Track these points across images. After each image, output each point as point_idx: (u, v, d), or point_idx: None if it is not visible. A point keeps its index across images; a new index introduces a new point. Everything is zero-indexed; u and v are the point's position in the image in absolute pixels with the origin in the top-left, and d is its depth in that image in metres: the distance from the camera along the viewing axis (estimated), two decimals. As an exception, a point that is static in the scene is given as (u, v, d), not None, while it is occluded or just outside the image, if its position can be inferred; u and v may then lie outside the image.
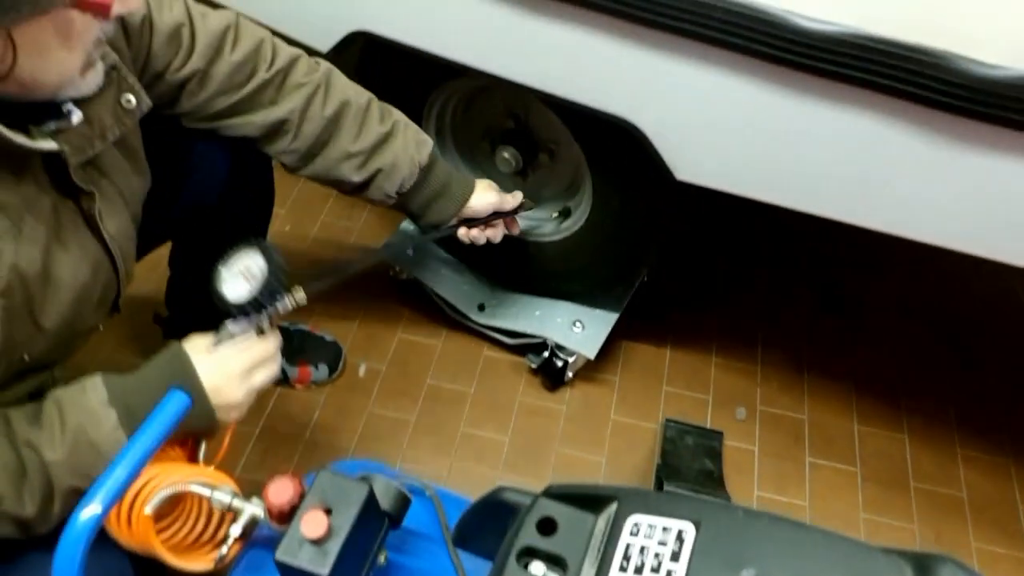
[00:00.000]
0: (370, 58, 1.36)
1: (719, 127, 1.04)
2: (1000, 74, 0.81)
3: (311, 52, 1.24)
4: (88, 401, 0.84)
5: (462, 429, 1.55)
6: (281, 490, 0.71)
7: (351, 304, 1.73)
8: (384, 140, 1.15)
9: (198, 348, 0.91)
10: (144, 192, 1.05)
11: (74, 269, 0.89)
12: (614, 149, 1.24)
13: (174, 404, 0.70)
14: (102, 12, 0.73)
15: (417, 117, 1.43)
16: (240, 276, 0.92)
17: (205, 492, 0.79)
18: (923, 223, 0.98)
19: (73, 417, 0.82)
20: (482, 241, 1.29)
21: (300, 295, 0.97)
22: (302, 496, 0.72)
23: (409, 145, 1.17)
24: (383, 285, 1.74)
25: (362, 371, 1.63)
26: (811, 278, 1.85)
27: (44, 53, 0.73)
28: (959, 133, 0.88)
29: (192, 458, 0.92)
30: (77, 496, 0.75)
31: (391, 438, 1.53)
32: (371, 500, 0.71)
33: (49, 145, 0.80)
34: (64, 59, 0.76)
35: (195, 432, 0.91)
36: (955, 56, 0.82)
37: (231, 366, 0.91)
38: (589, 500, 0.64)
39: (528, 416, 1.57)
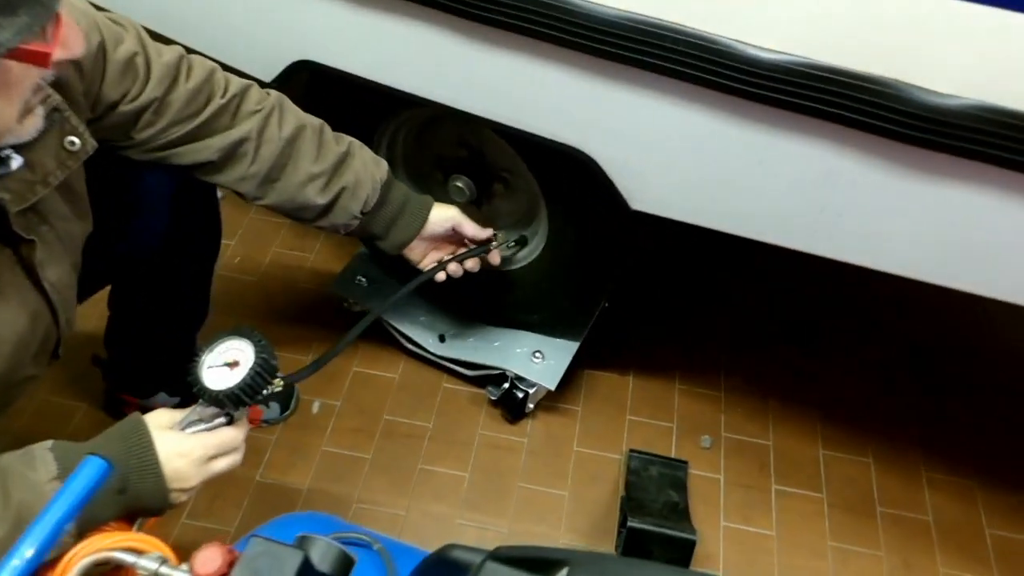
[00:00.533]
0: (317, 88, 1.32)
1: (673, 157, 1.02)
2: (952, 103, 0.80)
3: (255, 82, 1.21)
4: (36, 476, 0.79)
5: (420, 465, 1.50)
6: (208, 560, 0.66)
7: (303, 338, 1.67)
8: (344, 159, 1.14)
9: (161, 425, 0.88)
10: (85, 237, 1.01)
11: (12, 321, 0.85)
12: (569, 178, 1.22)
13: (89, 471, 0.65)
14: (40, 61, 0.69)
15: (367, 146, 1.39)
16: (225, 365, 0.89)
17: (129, 560, 0.73)
18: (878, 251, 0.97)
19: (18, 492, 0.78)
20: (460, 274, 1.26)
21: (278, 385, 0.94)
22: (232, 563, 0.67)
23: (368, 163, 1.16)
24: (337, 318, 1.68)
25: (316, 408, 1.57)
26: (774, 305, 1.84)
27: None
28: (911, 162, 0.86)
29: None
30: None
31: (346, 477, 1.47)
32: (306, 567, 0.66)
33: None
34: (1, 109, 0.72)
35: (146, 512, 0.87)
36: (907, 85, 0.81)
37: (193, 451, 0.87)
38: (539, 564, 0.60)
39: (488, 450, 1.53)
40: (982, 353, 1.78)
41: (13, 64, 0.69)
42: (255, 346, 0.89)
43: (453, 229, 1.24)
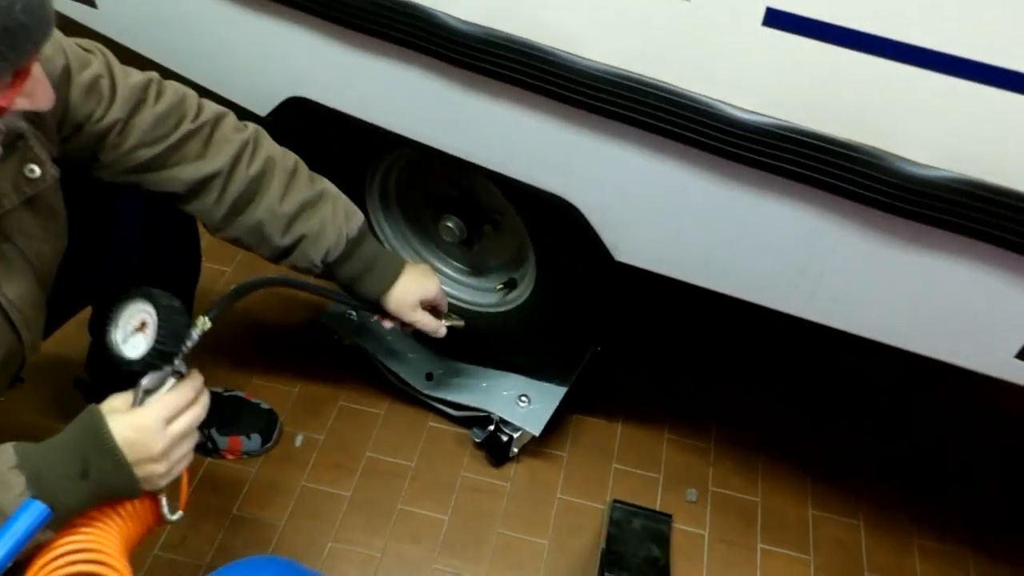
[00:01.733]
0: (310, 123, 1.32)
1: (655, 211, 1.01)
2: (932, 175, 0.78)
3: (250, 116, 1.21)
4: None
5: (400, 506, 1.48)
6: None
7: (291, 369, 1.67)
8: (312, 204, 1.11)
9: (116, 408, 0.88)
10: (57, 255, 1.00)
11: None
12: (555, 225, 1.20)
13: (29, 516, 0.64)
14: None
15: (359, 182, 1.40)
16: (133, 331, 0.89)
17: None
18: (857, 318, 0.95)
19: None
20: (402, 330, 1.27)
21: (204, 322, 0.93)
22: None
23: (338, 214, 1.13)
24: (326, 351, 1.68)
25: (299, 441, 1.56)
26: (769, 356, 1.81)
27: None
28: (891, 230, 0.85)
29: (157, 514, 0.91)
30: None
31: (324, 514, 1.45)
32: (242, 625, 0.64)
33: None
34: None
35: (120, 495, 0.87)
36: (887, 154, 0.80)
37: (146, 419, 0.87)
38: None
39: (470, 493, 1.50)
40: (982, 415, 1.74)
41: None
42: (155, 305, 0.88)
43: (424, 303, 1.24)
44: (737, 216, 0.94)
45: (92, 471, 0.83)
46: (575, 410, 1.61)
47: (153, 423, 0.87)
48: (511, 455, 1.52)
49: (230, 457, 1.50)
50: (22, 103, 0.73)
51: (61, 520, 0.80)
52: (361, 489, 1.49)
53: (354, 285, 1.18)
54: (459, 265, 1.53)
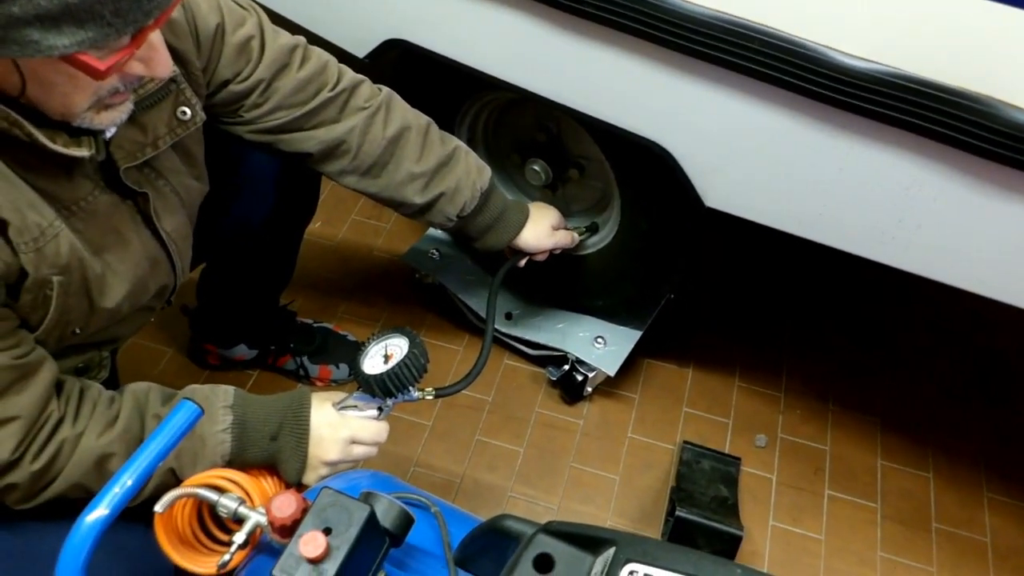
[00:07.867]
0: (406, 65, 1.36)
1: (752, 158, 1.02)
2: (1046, 124, 0.78)
3: (348, 56, 1.25)
4: (215, 400, 0.93)
5: (477, 437, 1.55)
6: (284, 505, 0.72)
7: (374, 305, 1.74)
8: (446, 162, 1.17)
9: (322, 399, 0.99)
10: (201, 195, 1.08)
11: (135, 263, 0.94)
12: (644, 170, 1.23)
13: (184, 413, 0.71)
14: (91, 74, 0.71)
15: (450, 125, 1.44)
16: (382, 355, 1.00)
17: (212, 497, 0.80)
18: (954, 267, 0.95)
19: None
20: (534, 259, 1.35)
21: (429, 392, 1.04)
22: (305, 511, 0.72)
23: (471, 170, 1.19)
24: (407, 288, 1.74)
25: (382, 372, 1.63)
26: (842, 306, 1.81)
27: (47, 87, 0.74)
28: (998, 180, 0.85)
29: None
30: (171, 478, 0.88)
31: (406, 442, 1.53)
32: (372, 521, 0.71)
33: (80, 152, 0.82)
34: (68, 95, 0.75)
35: (280, 468, 0.96)
36: (999, 103, 0.79)
37: (341, 426, 0.98)
38: (588, 541, 0.64)
39: (544, 428, 1.57)
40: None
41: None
42: (411, 345, 0.99)
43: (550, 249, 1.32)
44: (837, 164, 0.95)
45: (281, 438, 0.94)
46: (646, 354, 1.65)
47: (345, 435, 0.97)
48: (585, 394, 1.57)
49: (319, 384, 1.59)
50: (137, 68, 0.76)
51: (236, 465, 0.91)
52: (441, 420, 1.57)
53: (487, 233, 1.24)
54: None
